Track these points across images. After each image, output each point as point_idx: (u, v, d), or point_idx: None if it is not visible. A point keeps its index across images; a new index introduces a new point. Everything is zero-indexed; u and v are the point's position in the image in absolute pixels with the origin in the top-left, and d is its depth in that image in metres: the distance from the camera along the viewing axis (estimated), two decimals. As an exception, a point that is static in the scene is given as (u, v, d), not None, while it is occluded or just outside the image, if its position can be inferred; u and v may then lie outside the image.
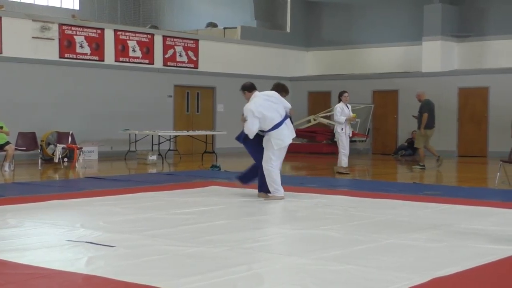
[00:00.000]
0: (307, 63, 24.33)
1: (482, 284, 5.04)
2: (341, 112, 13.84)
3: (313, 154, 20.82)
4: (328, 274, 5.03)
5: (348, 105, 14.12)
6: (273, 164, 9.28)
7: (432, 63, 20.82)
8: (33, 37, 17.32)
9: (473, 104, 20.13)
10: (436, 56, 20.81)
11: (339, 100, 14.08)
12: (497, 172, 11.78)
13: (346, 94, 14.08)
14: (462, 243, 6.32)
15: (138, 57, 19.53)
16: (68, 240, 6.24)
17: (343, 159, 13.90)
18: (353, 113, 14.26)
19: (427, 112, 15.80)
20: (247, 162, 10.11)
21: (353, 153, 16.57)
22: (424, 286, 4.73)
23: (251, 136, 9.25)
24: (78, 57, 18.21)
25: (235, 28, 22.76)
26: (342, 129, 13.91)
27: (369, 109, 21.67)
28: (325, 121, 21.78)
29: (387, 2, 22.40)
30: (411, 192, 10.52)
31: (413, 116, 16.87)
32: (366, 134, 21.54)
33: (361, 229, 7.00)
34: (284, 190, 9.55)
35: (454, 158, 19.73)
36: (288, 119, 9.54)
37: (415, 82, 20.87)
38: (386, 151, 21.33)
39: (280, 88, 9.84)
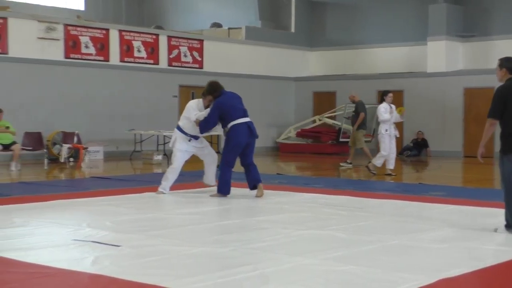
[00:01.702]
0: (311, 63, 24.32)
1: (489, 285, 5.03)
2: (385, 112, 13.63)
3: (318, 155, 20.80)
4: (334, 275, 5.03)
5: (391, 105, 13.79)
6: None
7: (437, 63, 20.78)
8: (38, 38, 17.35)
9: (479, 104, 20.06)
10: (441, 56, 20.77)
11: (382, 100, 13.77)
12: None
13: (390, 94, 13.78)
14: (468, 244, 6.31)
15: (143, 57, 19.54)
16: (74, 240, 6.26)
17: (380, 161, 13.63)
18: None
19: (364, 112, 16.20)
20: (255, 162, 10.09)
21: (359, 153, 16.55)
22: (431, 287, 4.72)
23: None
24: (83, 58, 18.24)
25: (240, 28, 22.77)
26: (386, 130, 13.62)
27: (374, 109, 21.60)
28: (330, 121, 21.76)
29: (392, 2, 22.37)
30: (417, 193, 10.50)
31: (345, 117, 17.11)
32: (372, 134, 21.51)
33: (366, 230, 6.99)
34: (290, 190, 9.59)
35: (459, 158, 19.69)
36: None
37: (420, 82, 20.85)
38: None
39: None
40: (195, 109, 9.84)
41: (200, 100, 9.95)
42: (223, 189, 9.65)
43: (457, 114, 20.38)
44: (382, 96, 13.92)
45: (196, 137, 9.94)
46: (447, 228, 7.13)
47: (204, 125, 9.64)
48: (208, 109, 9.66)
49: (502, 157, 6.94)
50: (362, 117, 16.09)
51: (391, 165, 13.75)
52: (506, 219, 6.81)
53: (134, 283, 4.73)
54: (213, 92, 9.70)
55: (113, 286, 4.71)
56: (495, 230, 6.87)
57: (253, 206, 9.04)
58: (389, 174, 13.69)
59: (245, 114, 9.68)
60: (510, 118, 6.81)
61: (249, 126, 9.62)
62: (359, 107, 16.19)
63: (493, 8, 20.69)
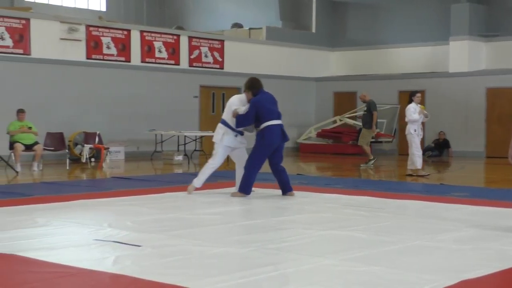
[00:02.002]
0: (332, 63, 24.26)
1: None
2: (415, 112, 13.55)
3: (338, 155, 20.75)
4: (354, 276, 5.00)
5: (419, 105, 13.76)
6: None
7: (459, 63, 20.63)
8: (60, 39, 17.49)
9: (501, 104, 19.91)
10: (464, 56, 20.62)
11: (410, 101, 13.66)
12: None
13: (418, 94, 13.73)
14: (490, 245, 6.25)
15: (164, 58, 19.62)
16: (95, 240, 6.28)
17: (418, 161, 13.51)
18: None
19: (376, 111, 16.28)
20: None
21: (380, 153, 16.53)
22: (451, 288, 4.68)
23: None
24: (104, 58, 18.35)
25: (260, 28, 22.77)
26: (415, 130, 13.52)
27: (395, 109, 21.54)
28: (351, 121, 21.69)
29: (414, 1, 22.24)
30: (438, 193, 10.43)
31: (357, 116, 17.09)
32: (393, 134, 21.42)
33: (387, 230, 6.96)
34: (310, 191, 9.57)
35: (482, 159, 19.53)
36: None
37: (442, 83, 20.72)
38: (412, 152, 21.14)
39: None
40: (237, 104, 9.71)
41: (243, 94, 9.88)
42: (246, 189, 9.62)
43: (479, 114, 20.21)
44: (410, 97, 13.77)
45: (241, 133, 9.80)
46: (469, 229, 7.06)
47: (242, 120, 9.55)
48: (248, 105, 9.63)
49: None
50: (376, 116, 16.25)
51: (412, 166, 13.69)
52: None
53: (155, 283, 4.75)
54: (251, 88, 9.69)
55: (134, 286, 4.72)
56: None
57: (274, 206, 9.04)
58: (410, 175, 13.62)
59: (278, 117, 9.68)
60: None
61: (281, 128, 9.66)
62: (372, 106, 16.21)
63: (516, 7, 20.50)
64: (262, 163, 9.67)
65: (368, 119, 16.26)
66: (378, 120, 20.99)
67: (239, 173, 9.89)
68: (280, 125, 9.67)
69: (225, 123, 9.78)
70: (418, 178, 13.33)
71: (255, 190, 10.13)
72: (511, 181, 13.28)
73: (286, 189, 9.85)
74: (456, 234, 6.76)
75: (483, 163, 18.38)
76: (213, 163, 9.88)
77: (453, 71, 20.73)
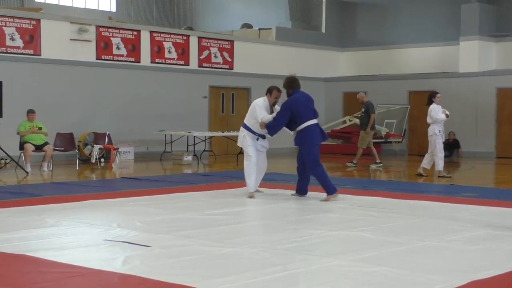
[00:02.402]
0: (342, 63, 24.22)
1: (521, 288, 4.96)
2: (439, 112, 13.50)
3: (348, 155, 20.69)
4: (364, 276, 5.00)
5: (438, 105, 13.62)
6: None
7: (469, 63, 20.56)
8: (71, 39, 17.55)
9: (512, 104, 19.83)
10: (474, 56, 20.55)
11: (431, 102, 13.53)
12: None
13: (439, 95, 13.60)
14: (500, 245, 6.23)
15: (173, 58, 19.65)
16: (105, 240, 6.31)
17: (440, 163, 13.40)
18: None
19: (374, 113, 16.23)
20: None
21: (389, 153, 16.48)
22: (461, 289, 4.67)
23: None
24: (114, 59, 18.39)
25: (270, 29, 22.76)
26: (439, 131, 13.43)
27: (405, 110, 21.48)
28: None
29: (423, 1, 22.18)
30: (448, 194, 10.40)
31: (355, 116, 17.01)
32: (402, 135, 21.36)
33: (396, 231, 6.94)
34: (319, 191, 9.55)
35: (492, 159, 19.45)
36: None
37: (452, 83, 20.64)
38: (422, 152, 20.97)
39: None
40: (262, 108, 9.57)
41: (265, 97, 9.73)
42: (331, 189, 9.42)
43: (489, 115, 20.13)
44: (430, 98, 13.59)
45: (263, 136, 9.74)
46: (479, 230, 7.04)
47: (273, 125, 9.44)
48: (274, 114, 9.53)
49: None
50: (373, 118, 16.21)
51: (427, 165, 13.59)
52: None
53: (163, 283, 4.76)
54: (290, 87, 9.58)
55: (143, 286, 4.74)
56: None
57: (282, 207, 9.03)
58: (420, 175, 13.55)
59: (315, 115, 9.59)
60: None
61: (319, 127, 9.58)
62: (370, 108, 16.14)
63: (527, 7, 20.42)
64: (319, 158, 9.50)
65: (365, 121, 16.19)
66: (388, 121, 20.99)
67: (257, 177, 9.80)
68: (317, 124, 9.58)
69: (246, 127, 9.73)
70: (427, 179, 13.28)
71: (263, 190, 10.14)
72: (522, 182, 13.22)
73: (303, 191, 9.81)
74: (466, 235, 6.74)
75: (493, 164, 18.31)
76: (251, 162, 9.65)
77: (463, 71, 20.65)
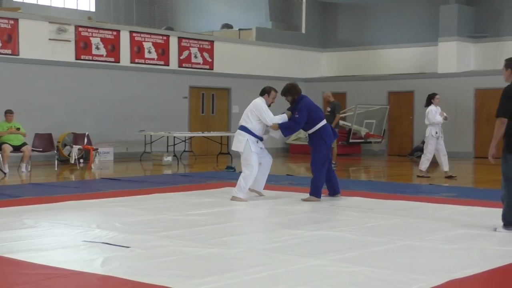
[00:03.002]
0: (322, 64, 24.29)
1: (499, 286, 5.00)
2: (436, 114, 13.45)
3: (328, 156, 20.73)
4: (344, 276, 5.02)
5: (437, 107, 13.63)
6: None
7: (448, 64, 20.71)
8: (49, 39, 17.42)
9: (490, 105, 19.93)
10: (452, 57, 20.70)
11: (429, 103, 13.51)
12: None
13: (437, 96, 13.58)
14: (478, 245, 6.28)
15: (153, 59, 19.59)
16: (84, 241, 6.27)
17: (425, 163, 13.40)
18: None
19: (339, 114, 16.28)
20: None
21: (369, 154, 16.51)
22: (440, 288, 4.70)
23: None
24: (94, 59, 18.29)
25: (250, 29, 22.77)
26: (436, 133, 13.42)
27: (385, 110, 21.59)
28: (341, 122, 21.69)
29: (403, 2, 22.31)
30: (427, 194, 10.47)
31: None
32: (382, 135, 21.47)
33: (376, 231, 6.98)
34: (300, 192, 9.56)
35: (470, 159, 19.61)
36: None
37: (431, 83, 20.75)
38: (401, 152, 21.24)
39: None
40: (268, 109, 9.51)
41: (262, 98, 9.62)
42: (317, 193, 9.44)
43: (468, 115, 20.29)
44: (429, 99, 13.58)
45: (261, 138, 9.65)
46: (458, 229, 7.10)
47: (293, 126, 9.59)
48: (284, 114, 9.60)
49: (506, 156, 7.04)
50: (338, 119, 16.24)
51: (446, 167, 13.53)
52: (505, 218, 6.86)
53: (144, 284, 4.74)
54: (296, 92, 9.76)
55: (122, 287, 4.71)
56: (494, 230, 6.97)
57: (263, 207, 9.04)
58: (450, 176, 13.45)
59: (323, 116, 9.82)
60: None
61: (331, 126, 9.91)
62: (336, 108, 16.12)
63: (505, 8, 20.59)
64: (327, 164, 9.59)
65: (331, 120, 15.95)
66: (368, 121, 21.08)
67: (261, 176, 9.69)
68: (329, 124, 9.93)
69: (247, 130, 9.43)
70: (406, 178, 13.36)
71: (265, 194, 10.01)
72: (499, 181, 13.30)
73: (336, 190, 9.82)
74: (445, 234, 6.79)
75: (472, 164, 18.46)
76: (251, 174, 9.38)
77: (442, 72, 20.80)
